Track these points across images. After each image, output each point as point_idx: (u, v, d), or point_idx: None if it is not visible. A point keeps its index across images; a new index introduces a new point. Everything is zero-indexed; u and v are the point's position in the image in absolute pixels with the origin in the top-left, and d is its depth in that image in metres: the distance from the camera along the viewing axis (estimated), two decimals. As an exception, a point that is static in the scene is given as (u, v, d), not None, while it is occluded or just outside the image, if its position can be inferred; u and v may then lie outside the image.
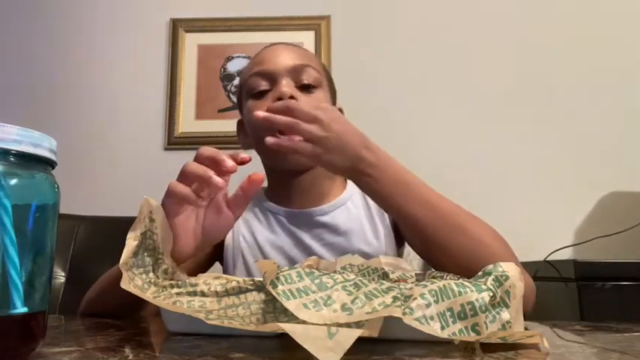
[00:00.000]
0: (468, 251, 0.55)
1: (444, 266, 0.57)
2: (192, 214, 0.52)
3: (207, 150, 0.50)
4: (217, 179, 0.48)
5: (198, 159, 0.50)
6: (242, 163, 0.51)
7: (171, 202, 0.50)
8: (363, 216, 0.77)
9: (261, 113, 0.56)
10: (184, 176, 0.50)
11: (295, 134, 0.56)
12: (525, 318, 0.53)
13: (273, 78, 0.73)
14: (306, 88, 0.73)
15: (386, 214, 0.78)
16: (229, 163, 0.49)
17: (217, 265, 0.82)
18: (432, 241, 0.57)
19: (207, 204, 0.53)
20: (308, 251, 0.74)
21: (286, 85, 0.71)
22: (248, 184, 0.52)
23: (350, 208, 0.78)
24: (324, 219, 0.76)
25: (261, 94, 0.74)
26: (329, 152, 0.55)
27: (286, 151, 0.56)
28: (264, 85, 0.73)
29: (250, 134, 0.77)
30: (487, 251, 0.55)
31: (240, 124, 0.84)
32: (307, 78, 0.73)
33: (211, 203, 0.53)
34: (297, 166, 0.74)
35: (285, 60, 0.74)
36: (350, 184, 0.81)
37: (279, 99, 0.70)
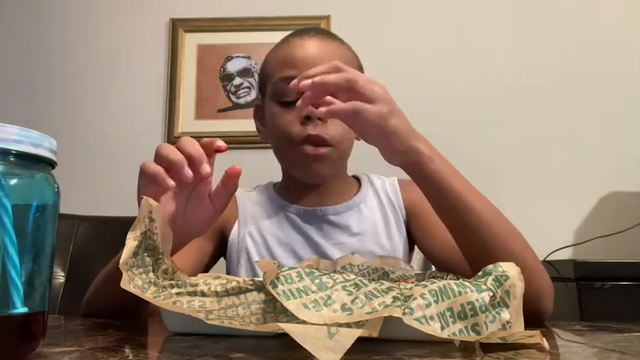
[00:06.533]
0: (514, 255, 0.50)
1: (480, 262, 0.50)
2: (170, 201, 0.51)
3: (192, 146, 0.48)
4: (188, 171, 0.47)
5: (178, 147, 0.49)
6: (217, 151, 0.50)
7: (144, 182, 0.50)
8: (377, 218, 0.76)
9: (308, 81, 0.50)
10: (158, 157, 0.49)
11: (354, 94, 0.49)
12: (541, 318, 0.53)
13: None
14: None
15: (402, 217, 0.77)
16: (206, 169, 0.48)
17: (221, 262, 0.82)
18: (483, 235, 0.52)
19: (186, 193, 0.52)
20: (318, 250, 0.73)
21: None
22: (226, 178, 0.52)
23: (363, 210, 0.76)
24: (337, 219, 0.75)
25: (287, 104, 0.70)
26: (394, 115, 0.50)
27: (345, 115, 0.49)
28: (291, 95, 0.69)
29: (273, 142, 0.75)
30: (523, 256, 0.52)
31: (257, 109, 0.81)
32: None
33: (193, 194, 0.53)
34: (317, 179, 0.73)
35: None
36: (364, 185, 0.80)
37: (307, 117, 0.68)
